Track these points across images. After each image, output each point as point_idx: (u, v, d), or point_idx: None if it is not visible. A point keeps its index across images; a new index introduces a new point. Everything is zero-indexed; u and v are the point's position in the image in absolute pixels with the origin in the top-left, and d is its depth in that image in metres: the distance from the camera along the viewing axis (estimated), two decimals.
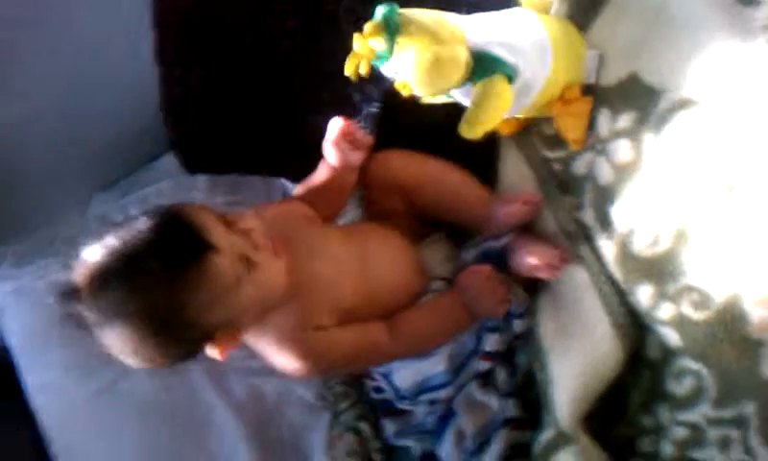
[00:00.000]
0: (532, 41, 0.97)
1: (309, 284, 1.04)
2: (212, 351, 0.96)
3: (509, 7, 1.05)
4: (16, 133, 1.61)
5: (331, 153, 1.09)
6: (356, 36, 0.89)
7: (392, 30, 0.89)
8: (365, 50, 0.89)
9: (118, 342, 0.89)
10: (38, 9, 1.51)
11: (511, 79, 0.95)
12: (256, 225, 0.98)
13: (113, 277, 0.87)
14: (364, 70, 0.90)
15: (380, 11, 0.90)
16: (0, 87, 1.54)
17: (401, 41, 0.89)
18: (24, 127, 1.61)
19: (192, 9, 1.33)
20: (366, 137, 1.10)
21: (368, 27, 0.89)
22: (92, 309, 0.88)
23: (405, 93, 0.98)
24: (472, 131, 0.94)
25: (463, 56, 0.92)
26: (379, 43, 0.88)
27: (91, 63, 1.62)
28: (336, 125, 1.07)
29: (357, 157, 1.10)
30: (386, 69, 0.93)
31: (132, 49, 1.47)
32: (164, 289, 0.88)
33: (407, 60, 0.90)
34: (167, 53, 1.38)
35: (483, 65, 0.94)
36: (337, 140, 1.08)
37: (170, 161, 1.65)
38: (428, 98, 1.03)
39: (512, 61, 0.94)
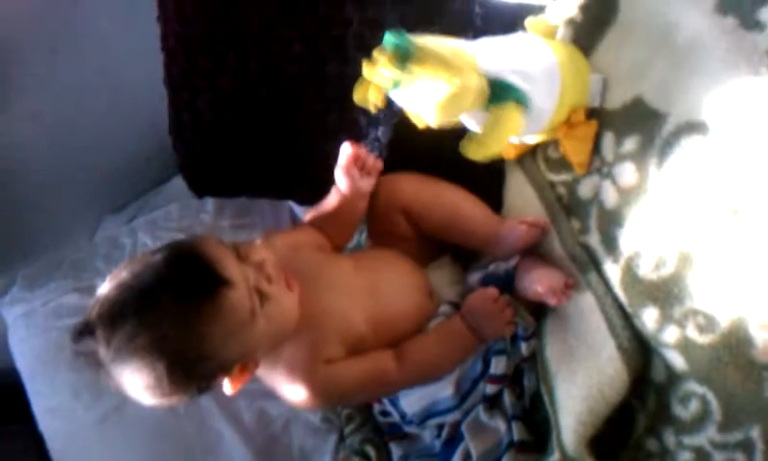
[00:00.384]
0: (542, 67, 0.97)
1: (320, 316, 1.04)
2: (225, 386, 0.96)
3: (514, 31, 1.06)
4: (25, 155, 1.64)
5: (341, 179, 1.10)
6: (366, 64, 0.89)
7: (404, 58, 0.88)
8: (376, 78, 0.89)
9: (132, 380, 0.88)
10: (49, 32, 1.55)
11: (523, 106, 0.95)
12: (268, 256, 0.99)
13: (127, 313, 0.87)
14: (377, 99, 0.90)
15: (390, 38, 0.88)
16: (9, 108, 1.56)
17: (414, 70, 0.88)
18: (33, 149, 1.64)
19: (199, 34, 1.34)
20: (376, 163, 1.10)
21: (379, 55, 0.89)
22: (106, 347, 0.87)
23: (418, 124, 0.98)
24: (478, 153, 0.94)
25: (474, 84, 0.92)
26: (391, 72, 0.88)
27: (101, 87, 1.65)
28: (346, 151, 1.08)
29: (367, 184, 1.11)
30: (397, 97, 0.93)
31: (142, 74, 1.49)
32: (179, 325, 0.87)
33: (420, 90, 0.90)
34: (175, 77, 1.39)
35: (496, 92, 0.94)
36: (347, 167, 1.08)
37: (178, 185, 1.66)
38: (440, 125, 1.03)
39: (524, 88, 0.95)
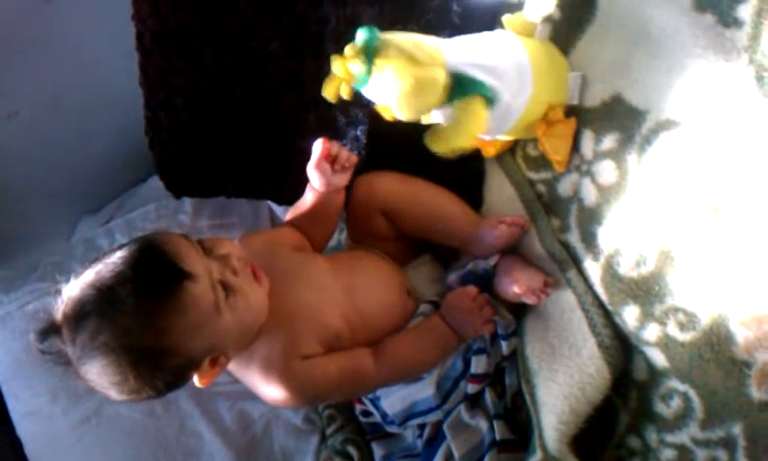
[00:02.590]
0: (511, 63, 0.97)
1: (295, 312, 1.03)
2: (195, 380, 0.96)
3: (493, 29, 1.06)
4: (2, 156, 1.61)
5: (314, 176, 1.09)
6: (335, 59, 0.90)
7: (370, 53, 0.89)
8: (343, 73, 0.89)
9: (99, 377, 0.88)
10: (22, 31, 1.52)
11: (490, 100, 0.95)
12: (233, 250, 0.98)
13: (89, 310, 0.87)
14: (345, 94, 0.90)
15: (360, 34, 0.90)
16: None
17: (379, 64, 0.89)
18: (7, 149, 1.62)
19: (175, 32, 1.33)
20: (350, 158, 1.09)
21: (347, 50, 0.90)
22: (72, 345, 0.87)
23: (387, 117, 0.98)
24: (441, 146, 0.95)
25: (441, 78, 0.93)
26: (357, 66, 0.89)
27: (76, 87, 1.63)
28: (317, 148, 1.07)
29: (341, 179, 1.10)
30: (367, 92, 0.93)
31: (118, 73, 1.47)
32: (140, 320, 0.87)
33: (385, 83, 0.90)
34: (151, 77, 1.37)
35: (461, 87, 0.94)
36: (318, 163, 1.07)
37: (156, 185, 1.64)
38: (409, 120, 1.03)
39: (490, 83, 0.95)
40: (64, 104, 1.64)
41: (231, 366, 1.02)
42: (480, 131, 0.96)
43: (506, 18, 1.05)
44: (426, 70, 0.91)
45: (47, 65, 1.58)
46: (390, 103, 0.94)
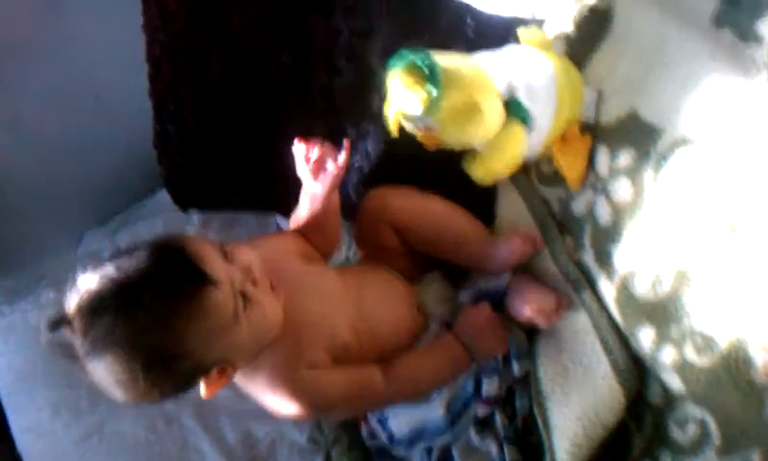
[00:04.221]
0: (543, 82, 0.96)
1: (303, 322, 1.01)
2: (201, 388, 0.93)
3: (506, 43, 1.04)
4: (6, 167, 1.60)
5: (304, 178, 1.07)
6: (400, 89, 0.87)
7: (438, 83, 0.86)
8: (414, 108, 0.86)
9: (107, 374, 0.85)
10: (28, 39, 1.51)
11: (528, 126, 0.93)
12: (255, 260, 0.96)
13: (107, 305, 0.83)
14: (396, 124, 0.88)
15: (412, 58, 0.87)
16: None
17: (449, 95, 0.87)
18: (14, 160, 1.60)
19: (185, 44, 1.32)
20: (336, 157, 1.04)
21: (409, 79, 0.87)
22: (83, 338, 0.84)
23: (431, 146, 0.95)
24: (488, 175, 0.93)
25: (501, 106, 0.91)
26: (416, 94, 0.86)
27: (84, 97, 1.62)
28: (297, 151, 1.05)
29: (328, 181, 1.06)
30: (419, 120, 0.91)
31: (126, 84, 1.46)
32: (159, 321, 0.84)
33: (452, 114, 0.88)
34: (160, 89, 1.36)
35: (510, 113, 0.93)
36: (301, 166, 1.06)
37: (163, 198, 1.63)
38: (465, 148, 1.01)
39: (527, 105, 0.93)
40: (71, 114, 1.62)
41: (237, 376, 0.99)
42: (521, 155, 0.94)
43: (521, 32, 1.03)
44: (492, 99, 0.89)
45: (55, 77, 1.57)
46: (449, 133, 0.91)
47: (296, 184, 1.23)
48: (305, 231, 1.13)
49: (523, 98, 0.93)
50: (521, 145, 0.93)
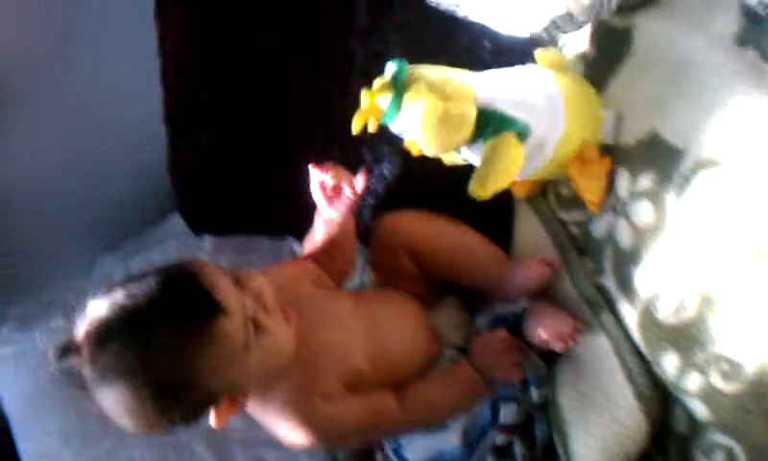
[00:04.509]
0: (542, 97, 0.95)
1: (317, 350, 0.99)
2: (211, 417, 0.91)
3: (523, 63, 1.03)
4: (19, 192, 1.60)
5: (320, 204, 1.06)
6: (364, 93, 0.88)
7: (399, 87, 0.87)
8: (372, 107, 0.87)
9: (116, 403, 0.83)
10: (47, 65, 1.52)
11: (522, 137, 0.92)
12: (267, 287, 0.94)
13: (116, 333, 0.82)
14: (372, 127, 0.88)
15: (390, 67, 0.88)
16: (3, 144, 1.52)
17: (408, 97, 0.87)
18: (27, 185, 1.61)
19: (201, 67, 1.32)
20: (354, 182, 1.04)
21: (375, 83, 0.88)
22: (92, 366, 0.82)
23: (414, 152, 0.96)
24: (482, 189, 0.92)
25: (470, 113, 0.90)
26: (386, 100, 0.87)
27: (97, 123, 1.62)
28: (314, 174, 1.04)
29: (343, 205, 1.06)
30: (394, 127, 0.91)
31: (140, 110, 1.46)
32: (168, 349, 0.83)
33: (413, 117, 0.88)
34: (175, 113, 1.36)
35: (492, 123, 0.92)
36: (316, 192, 1.05)
37: (176, 223, 1.63)
38: (439, 156, 1.00)
39: (523, 119, 0.92)
40: (84, 139, 1.63)
41: (248, 404, 0.98)
42: (517, 168, 0.92)
43: (538, 53, 1.02)
44: (455, 105, 0.89)
45: (68, 102, 1.58)
46: (416, 137, 0.91)
47: (310, 209, 1.22)
48: (320, 257, 1.12)
49: (509, 109, 0.92)
50: (515, 158, 0.91)
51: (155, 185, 1.56)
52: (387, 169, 1.21)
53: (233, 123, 1.35)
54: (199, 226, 1.51)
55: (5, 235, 1.64)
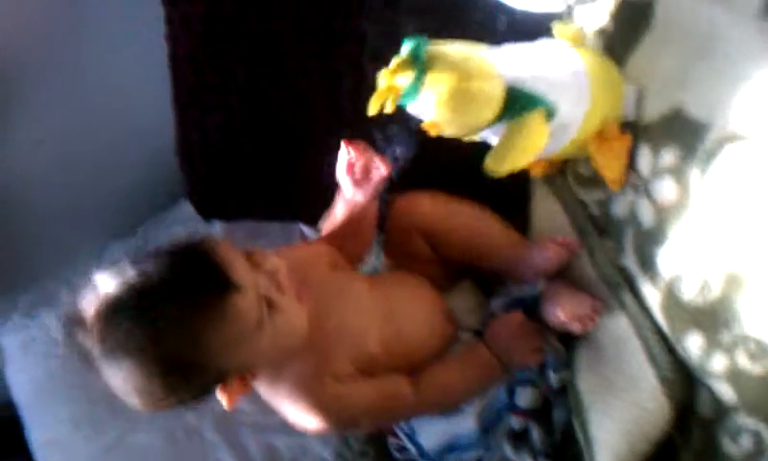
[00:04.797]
0: (569, 73, 0.92)
1: (330, 332, 0.98)
2: (221, 397, 0.89)
3: (539, 38, 1.00)
4: (28, 179, 1.60)
5: (344, 184, 1.04)
6: (382, 73, 0.84)
7: (419, 65, 0.84)
8: (391, 87, 0.84)
9: (124, 380, 0.82)
10: (51, 55, 1.51)
11: (549, 116, 0.89)
12: (281, 266, 0.92)
13: (126, 308, 0.80)
14: (390, 108, 0.85)
15: (407, 45, 0.85)
16: (11, 131, 1.52)
17: (431, 77, 0.84)
18: (36, 172, 1.60)
19: (209, 50, 1.30)
20: (380, 165, 1.02)
21: (394, 62, 0.84)
22: (101, 343, 0.80)
23: (433, 133, 0.92)
24: (499, 167, 0.89)
25: (496, 92, 0.87)
26: (406, 79, 0.83)
27: (105, 109, 1.61)
28: (347, 154, 1.01)
29: (371, 188, 1.03)
30: (412, 107, 0.88)
31: (147, 96, 1.45)
32: (179, 327, 0.81)
33: (434, 97, 0.85)
34: (183, 95, 1.34)
35: (517, 101, 0.89)
36: (347, 170, 1.02)
37: (185, 209, 1.62)
38: (458, 136, 0.97)
39: (549, 98, 0.89)
40: (92, 126, 1.62)
41: (258, 384, 0.96)
42: (540, 148, 0.90)
43: (557, 27, 1.00)
44: (480, 84, 0.86)
45: (75, 88, 1.57)
46: (439, 118, 0.88)
47: (321, 193, 1.21)
48: (338, 239, 1.10)
49: (536, 87, 0.89)
50: (540, 137, 0.89)
51: (164, 172, 1.55)
52: (399, 151, 1.18)
53: (242, 106, 1.32)
54: (208, 212, 1.50)
55: (14, 223, 1.64)
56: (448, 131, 0.90)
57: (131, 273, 0.82)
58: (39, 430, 1.50)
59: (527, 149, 0.90)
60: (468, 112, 0.87)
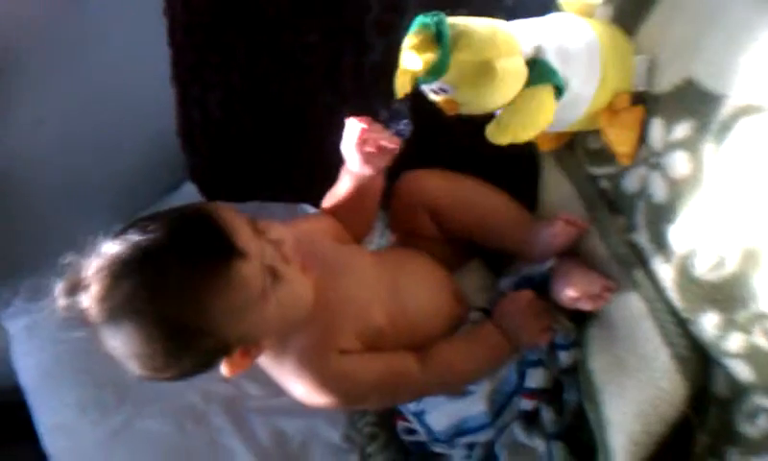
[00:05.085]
0: (581, 46, 0.89)
1: (335, 305, 0.96)
2: (223, 368, 0.88)
3: (547, 12, 0.98)
4: (29, 162, 1.59)
5: (352, 157, 1.01)
6: (406, 50, 0.81)
7: (445, 42, 0.81)
8: (415, 65, 0.80)
9: (123, 344, 0.81)
10: (51, 36, 1.49)
11: (559, 90, 0.86)
12: (286, 236, 0.91)
13: (129, 270, 0.79)
14: (408, 87, 0.82)
15: (428, 21, 0.82)
16: (11, 114, 1.50)
17: (458, 55, 0.81)
18: (37, 155, 1.59)
19: (208, 26, 1.27)
20: (391, 139, 0.99)
21: (415, 40, 0.81)
22: (101, 304, 0.79)
23: (450, 112, 0.89)
24: (500, 137, 0.87)
25: (521, 68, 0.85)
26: (431, 58, 0.80)
27: (106, 92, 1.60)
28: (355, 127, 0.98)
29: (379, 162, 1.01)
30: (432, 85, 0.85)
31: (149, 77, 1.43)
32: (183, 290, 0.80)
33: (464, 76, 0.82)
34: (183, 73, 1.32)
35: (534, 74, 0.86)
36: (358, 143, 0.99)
37: (189, 191, 1.62)
38: (484, 113, 0.93)
39: (565, 73, 0.86)
40: (93, 109, 1.60)
41: (262, 360, 0.95)
42: (548, 122, 0.87)
43: (564, 0, 0.96)
44: (508, 61, 0.83)
45: (76, 70, 1.55)
46: (460, 97, 0.85)
47: (324, 171, 1.18)
48: (341, 213, 1.08)
49: (554, 60, 0.86)
50: (549, 111, 0.86)
51: (168, 154, 1.54)
52: (404, 126, 1.16)
53: (242, 83, 1.31)
54: (212, 192, 1.49)
55: (15, 206, 1.62)
56: (466, 109, 0.87)
57: (134, 235, 0.81)
58: (46, 415, 1.49)
59: (532, 124, 0.87)
60: (495, 91, 0.84)
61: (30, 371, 1.55)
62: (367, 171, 1.01)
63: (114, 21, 1.51)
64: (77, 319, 0.81)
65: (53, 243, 1.66)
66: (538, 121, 0.87)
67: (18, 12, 1.45)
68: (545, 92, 0.86)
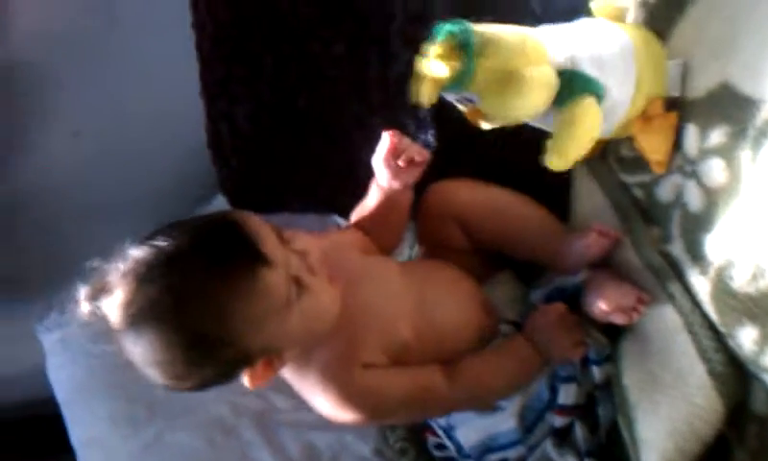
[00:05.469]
0: (616, 52, 0.87)
1: (360, 318, 0.95)
2: (245, 379, 0.88)
3: (576, 18, 0.95)
4: (63, 176, 1.61)
5: (381, 172, 1.01)
6: (429, 59, 0.80)
7: (470, 50, 0.79)
8: (441, 72, 0.79)
9: (144, 351, 0.81)
10: (90, 51, 1.52)
11: (600, 99, 0.84)
12: (313, 247, 0.91)
13: (153, 276, 0.79)
14: (432, 96, 0.80)
15: (452, 29, 0.80)
16: (47, 128, 1.53)
17: (483, 64, 0.79)
18: (71, 169, 1.61)
19: (234, 39, 1.28)
20: (420, 153, 0.99)
21: (441, 48, 0.79)
22: (124, 309, 0.79)
23: (474, 122, 0.87)
24: (563, 162, 0.84)
25: (551, 78, 0.82)
26: (457, 66, 0.79)
27: (140, 106, 1.62)
28: (385, 141, 0.98)
29: (409, 176, 1.01)
30: (457, 95, 0.83)
31: (181, 91, 1.45)
32: (206, 298, 0.80)
33: (490, 85, 0.80)
34: (211, 87, 1.33)
35: (569, 85, 0.84)
36: (387, 158, 0.99)
37: (221, 203, 1.63)
38: (511, 124, 0.90)
39: (601, 80, 0.84)
40: (127, 122, 1.62)
41: (286, 373, 0.95)
42: (596, 134, 0.85)
43: (594, 4, 0.94)
44: (537, 71, 0.81)
45: (110, 84, 1.57)
46: (487, 108, 0.83)
47: (353, 182, 1.18)
48: (370, 226, 1.08)
49: (589, 69, 0.84)
50: (597, 122, 0.83)
51: (199, 167, 1.55)
52: (431, 135, 1.15)
53: (270, 95, 1.31)
54: (241, 204, 1.49)
55: (50, 219, 1.64)
56: (493, 121, 0.85)
57: (161, 239, 0.81)
58: (80, 428, 1.50)
59: (586, 136, 0.84)
60: (523, 102, 0.82)
61: (63, 384, 1.57)
62: (396, 185, 1.01)
63: (146, 36, 1.52)
64: (107, 332, 0.81)
65: (86, 256, 1.69)
66: (589, 133, 0.84)
67: (53, 28, 1.48)
68: (589, 102, 0.83)
